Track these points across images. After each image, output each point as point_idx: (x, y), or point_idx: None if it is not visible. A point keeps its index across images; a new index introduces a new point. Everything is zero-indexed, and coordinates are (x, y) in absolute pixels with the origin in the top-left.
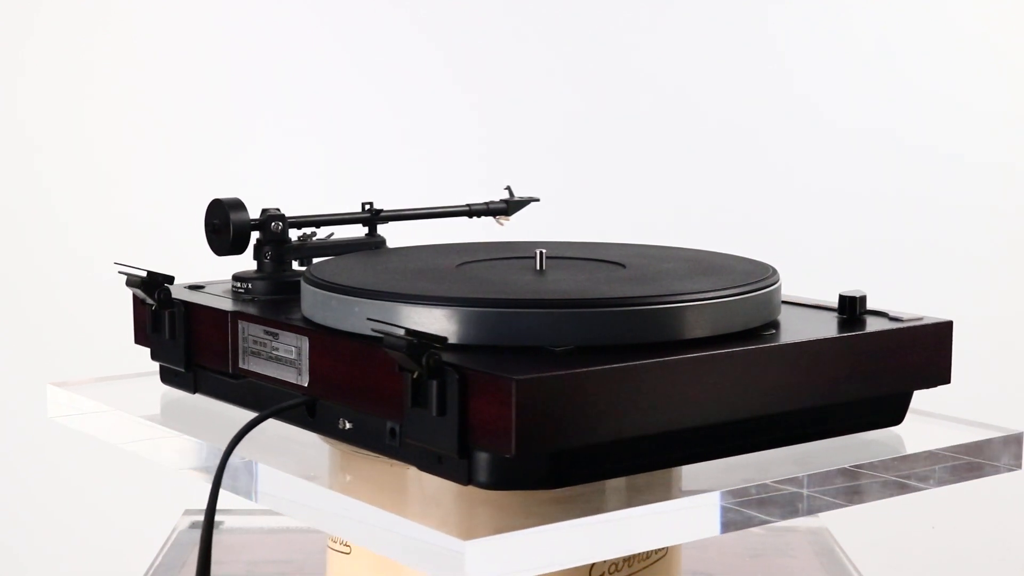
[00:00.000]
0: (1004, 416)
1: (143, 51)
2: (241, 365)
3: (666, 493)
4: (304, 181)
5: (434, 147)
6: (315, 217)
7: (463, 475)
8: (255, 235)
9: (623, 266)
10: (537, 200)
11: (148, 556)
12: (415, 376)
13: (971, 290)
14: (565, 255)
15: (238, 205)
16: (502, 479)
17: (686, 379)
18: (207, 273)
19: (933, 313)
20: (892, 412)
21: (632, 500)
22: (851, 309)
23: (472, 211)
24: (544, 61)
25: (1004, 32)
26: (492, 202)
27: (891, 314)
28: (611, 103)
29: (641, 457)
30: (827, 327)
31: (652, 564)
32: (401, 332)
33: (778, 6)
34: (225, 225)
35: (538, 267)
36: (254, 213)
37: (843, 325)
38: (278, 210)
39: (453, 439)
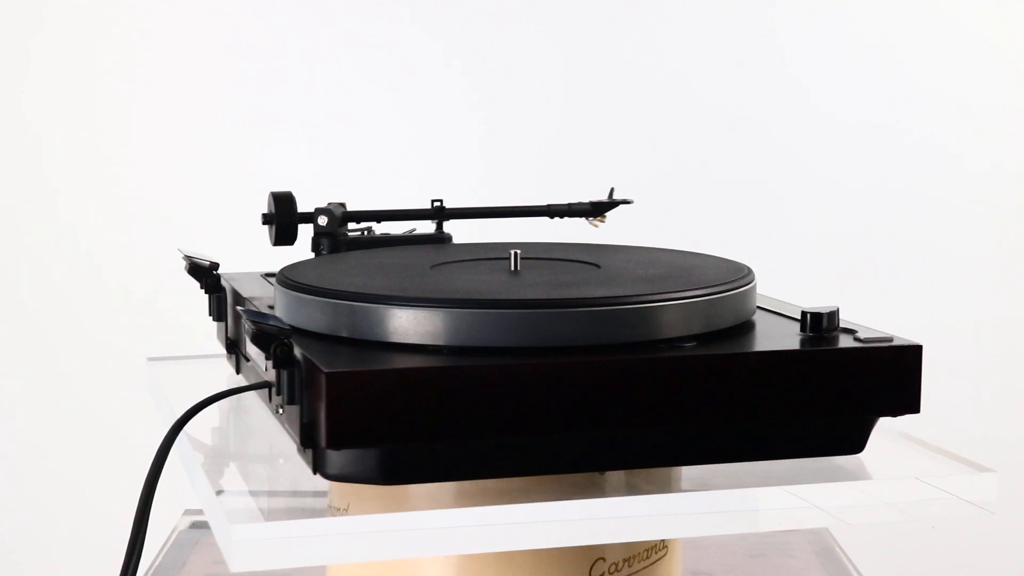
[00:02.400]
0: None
1: (152, 49)
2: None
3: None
4: (311, 178)
5: (432, 148)
6: (379, 211)
7: (311, 465)
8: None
9: (598, 267)
10: (630, 202)
11: (148, 556)
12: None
13: (971, 289)
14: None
15: (285, 198)
16: (339, 471)
17: (540, 385)
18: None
19: (933, 312)
20: (848, 439)
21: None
22: (814, 325)
23: (552, 211)
24: (540, 52)
25: (1005, 29)
26: (575, 203)
27: (858, 333)
28: (611, 102)
29: (491, 461)
30: (772, 341)
31: (652, 564)
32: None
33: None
34: (272, 217)
35: (513, 267)
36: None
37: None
38: (342, 204)
39: (297, 429)
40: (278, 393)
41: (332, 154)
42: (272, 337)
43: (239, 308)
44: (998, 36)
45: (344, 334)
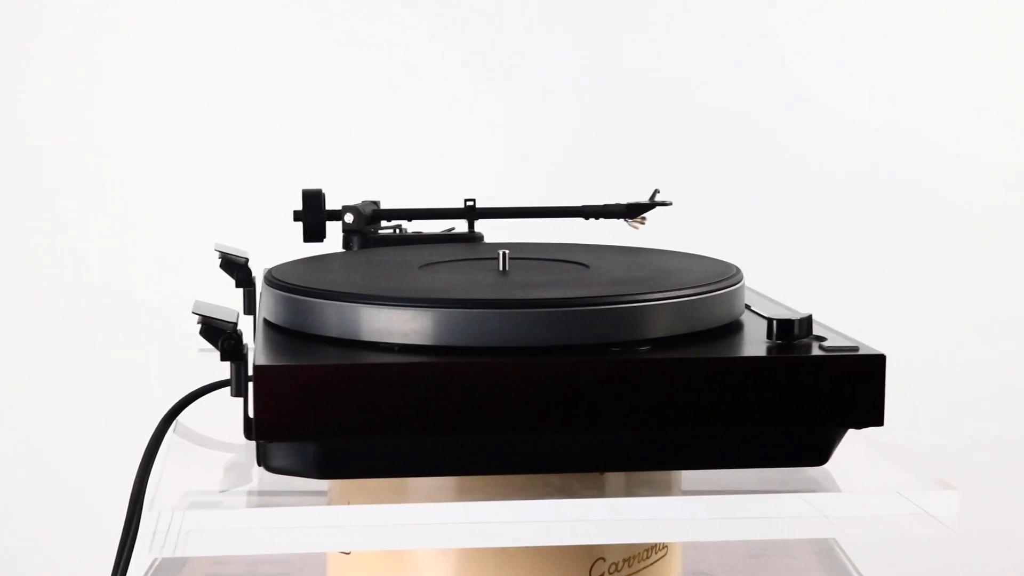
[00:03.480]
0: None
1: (155, 52)
2: None
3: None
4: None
5: (445, 146)
6: (410, 210)
7: (256, 456)
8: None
9: (586, 266)
10: (669, 204)
11: (148, 556)
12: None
13: (971, 288)
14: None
15: (313, 196)
16: (279, 464)
17: (468, 385)
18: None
19: (932, 311)
20: (811, 450)
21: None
22: (781, 332)
23: (588, 212)
24: (538, 51)
25: (1005, 26)
26: (610, 204)
27: (827, 341)
28: (615, 100)
29: (426, 460)
30: (732, 347)
31: (652, 564)
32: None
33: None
34: (301, 214)
35: (501, 268)
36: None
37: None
38: (374, 203)
39: (242, 420)
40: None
41: (369, 154)
42: (218, 331)
43: (197, 301)
44: (998, 36)
45: (308, 331)
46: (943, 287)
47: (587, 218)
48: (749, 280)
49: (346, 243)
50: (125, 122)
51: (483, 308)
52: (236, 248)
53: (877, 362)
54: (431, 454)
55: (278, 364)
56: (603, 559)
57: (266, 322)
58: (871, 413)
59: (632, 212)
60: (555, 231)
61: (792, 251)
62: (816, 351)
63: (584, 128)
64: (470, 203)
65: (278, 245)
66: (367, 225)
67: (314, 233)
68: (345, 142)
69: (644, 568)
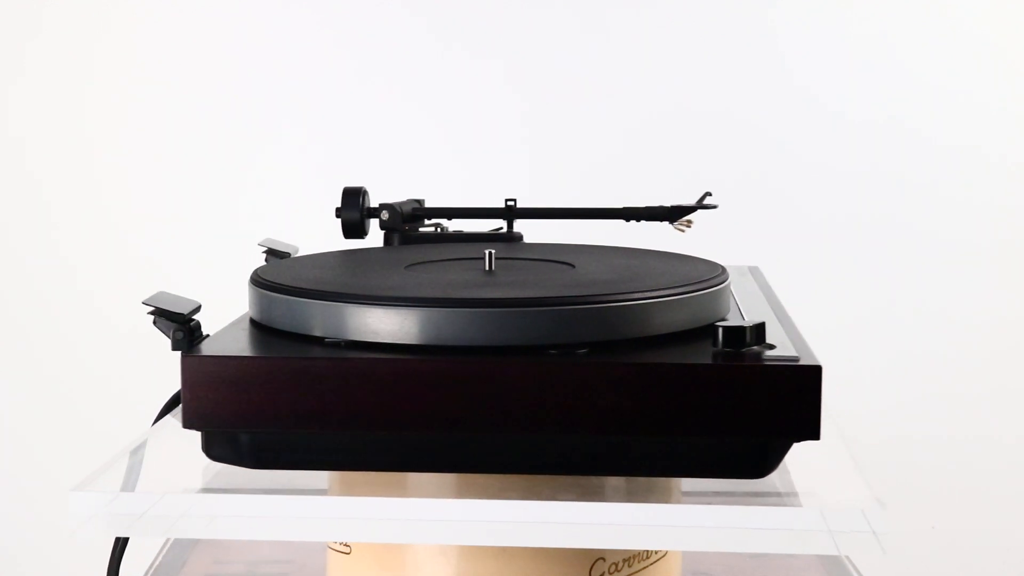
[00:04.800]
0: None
1: (154, 57)
2: None
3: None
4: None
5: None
6: (449, 209)
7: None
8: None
9: (572, 266)
10: (714, 207)
11: (148, 556)
12: None
13: (971, 286)
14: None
15: (351, 193)
16: (218, 453)
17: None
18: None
19: (930, 310)
20: (748, 462)
21: None
22: (727, 340)
23: (629, 214)
24: (538, 51)
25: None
26: (652, 207)
27: (773, 351)
28: (619, 98)
29: (354, 454)
30: (671, 354)
31: (652, 564)
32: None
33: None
34: (340, 211)
35: (487, 267)
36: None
37: (693, 354)
38: (418, 201)
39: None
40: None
41: (419, 153)
42: (169, 321)
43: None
44: (998, 35)
45: (272, 325)
46: (942, 285)
47: (628, 220)
48: (775, 278)
49: (386, 240)
50: (123, 122)
51: (418, 307)
52: (284, 243)
53: (813, 374)
54: (357, 449)
55: (197, 355)
56: (603, 559)
57: (250, 318)
58: (806, 425)
59: (674, 215)
60: (599, 233)
61: (793, 251)
62: (750, 360)
63: (629, 132)
64: (511, 203)
65: (328, 242)
66: (405, 223)
67: (354, 230)
68: (398, 142)
69: (644, 568)
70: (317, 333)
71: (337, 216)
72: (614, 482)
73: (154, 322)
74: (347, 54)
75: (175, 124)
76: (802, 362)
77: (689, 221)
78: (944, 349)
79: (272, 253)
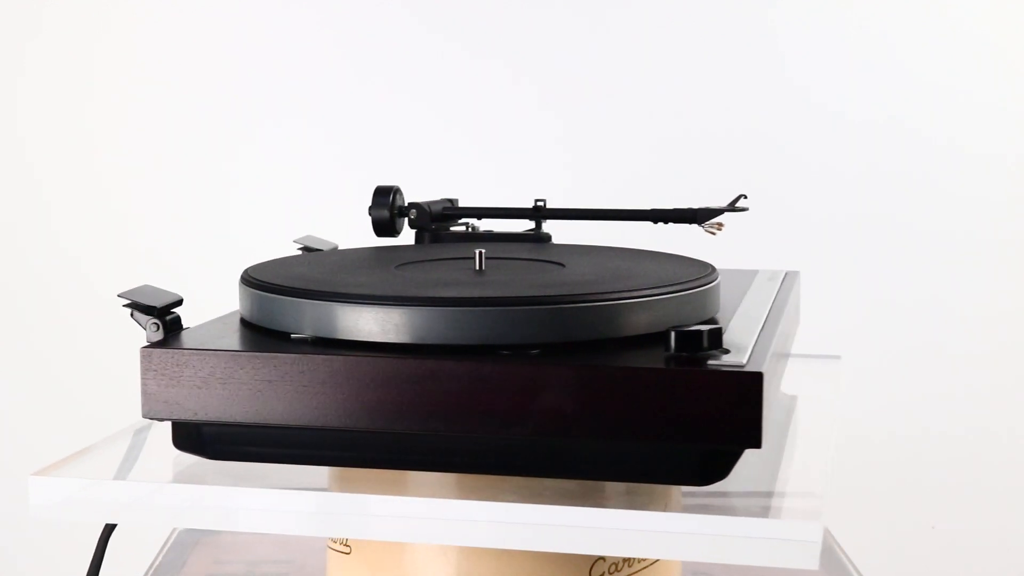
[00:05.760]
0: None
1: (158, 57)
2: None
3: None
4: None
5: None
6: (479, 208)
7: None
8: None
9: (563, 266)
10: (745, 209)
11: (148, 556)
12: None
13: (971, 285)
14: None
15: (382, 192)
16: (180, 443)
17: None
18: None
19: (930, 308)
20: (690, 469)
21: None
22: (679, 344)
23: (657, 216)
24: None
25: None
26: (680, 209)
27: (726, 356)
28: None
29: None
30: (620, 357)
31: (652, 564)
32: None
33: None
34: (371, 210)
35: (478, 267)
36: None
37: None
38: (450, 200)
39: None
40: None
41: (445, 152)
42: (144, 314)
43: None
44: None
45: (249, 320)
46: (942, 283)
47: (655, 222)
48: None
49: (417, 239)
50: (123, 121)
51: (371, 304)
52: (322, 240)
53: (753, 380)
54: (305, 443)
55: (148, 345)
56: (603, 559)
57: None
58: (746, 433)
59: (701, 217)
60: (630, 234)
61: (796, 250)
62: (690, 365)
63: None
64: (540, 202)
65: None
66: (434, 222)
67: (384, 228)
68: (432, 142)
69: (644, 568)
70: (285, 329)
71: (369, 214)
72: (615, 487)
73: (131, 315)
74: (360, 53)
75: (177, 123)
76: (746, 368)
77: (720, 224)
78: (944, 349)
79: (307, 251)
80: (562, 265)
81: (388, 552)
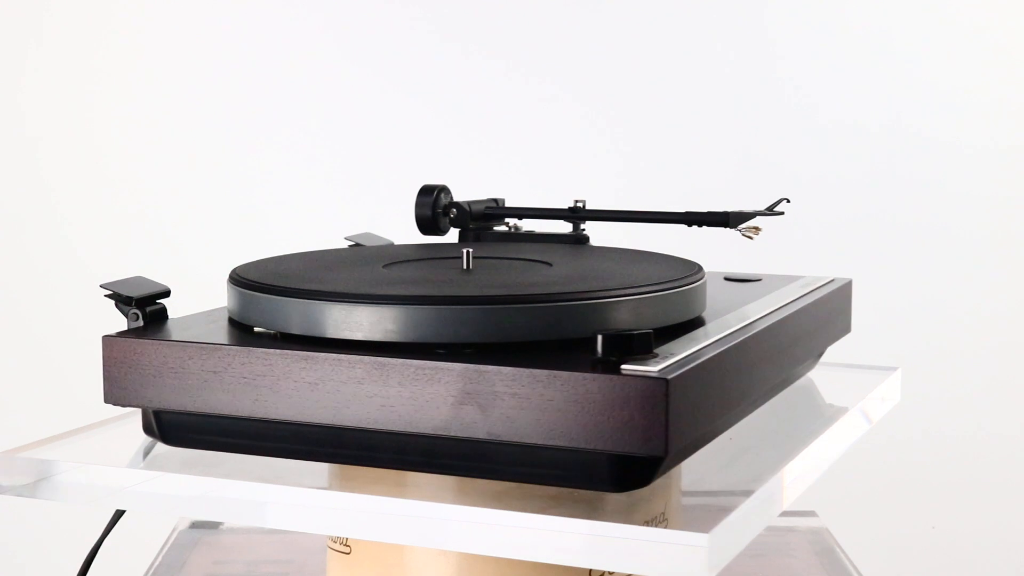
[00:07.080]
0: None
1: (162, 54)
2: None
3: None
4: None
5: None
6: (518, 208)
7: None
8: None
9: (550, 264)
10: (781, 213)
11: (148, 556)
12: None
13: (971, 284)
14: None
15: (427, 191)
16: (146, 429)
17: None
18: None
19: (931, 307)
20: (603, 475)
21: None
22: (606, 348)
23: (690, 219)
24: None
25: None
26: (713, 212)
27: (630, 364)
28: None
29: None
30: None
31: None
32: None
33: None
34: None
35: (465, 266)
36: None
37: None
38: (495, 200)
39: None
40: None
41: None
42: (125, 304)
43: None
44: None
45: (232, 316)
46: (941, 283)
47: (689, 225)
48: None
49: (461, 237)
50: (125, 123)
51: (323, 301)
52: (377, 236)
53: (658, 388)
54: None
55: (111, 335)
56: None
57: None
58: (651, 440)
59: (735, 220)
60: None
61: (801, 250)
62: (601, 369)
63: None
64: (579, 203)
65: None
66: (475, 222)
67: (428, 226)
68: (497, 144)
69: None
70: (250, 323)
71: (414, 213)
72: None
73: (115, 305)
74: (374, 54)
75: (223, 120)
76: (654, 375)
77: (757, 227)
78: (944, 348)
79: (356, 247)
80: (549, 265)
81: (388, 552)
